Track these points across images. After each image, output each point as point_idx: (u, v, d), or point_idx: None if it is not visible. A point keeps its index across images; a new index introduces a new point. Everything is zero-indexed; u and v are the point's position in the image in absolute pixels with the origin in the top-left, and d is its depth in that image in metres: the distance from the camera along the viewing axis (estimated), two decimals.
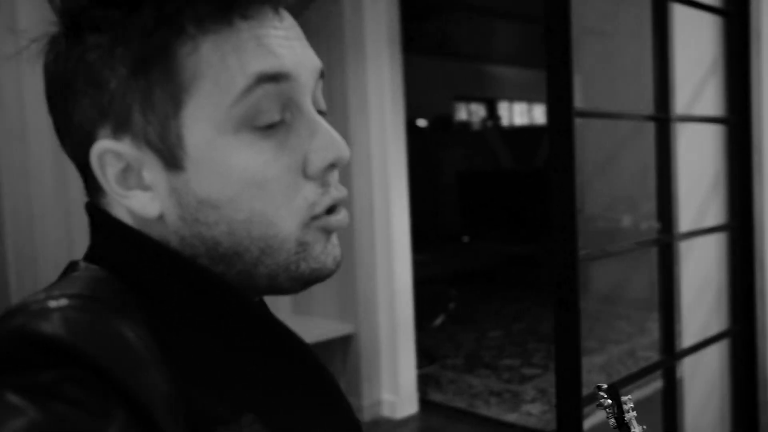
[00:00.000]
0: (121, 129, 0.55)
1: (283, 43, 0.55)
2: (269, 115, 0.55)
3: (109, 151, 0.55)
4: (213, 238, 0.56)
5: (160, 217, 0.56)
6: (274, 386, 0.57)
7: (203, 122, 0.54)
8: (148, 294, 0.55)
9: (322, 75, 0.59)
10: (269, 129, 0.55)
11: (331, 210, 0.58)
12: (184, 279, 0.56)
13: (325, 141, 0.57)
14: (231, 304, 0.57)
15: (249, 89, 0.54)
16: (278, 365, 0.58)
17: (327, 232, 0.59)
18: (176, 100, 0.54)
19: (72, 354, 0.44)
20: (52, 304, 0.48)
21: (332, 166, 0.57)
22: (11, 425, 0.40)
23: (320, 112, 0.60)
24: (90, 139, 0.55)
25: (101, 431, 0.42)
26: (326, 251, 0.59)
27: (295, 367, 0.59)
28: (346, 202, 0.60)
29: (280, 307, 3.54)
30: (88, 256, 0.58)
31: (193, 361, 0.53)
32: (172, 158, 0.55)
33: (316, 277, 0.59)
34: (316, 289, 3.01)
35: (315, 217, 0.57)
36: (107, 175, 0.56)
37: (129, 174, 0.56)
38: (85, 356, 0.45)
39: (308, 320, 3.50)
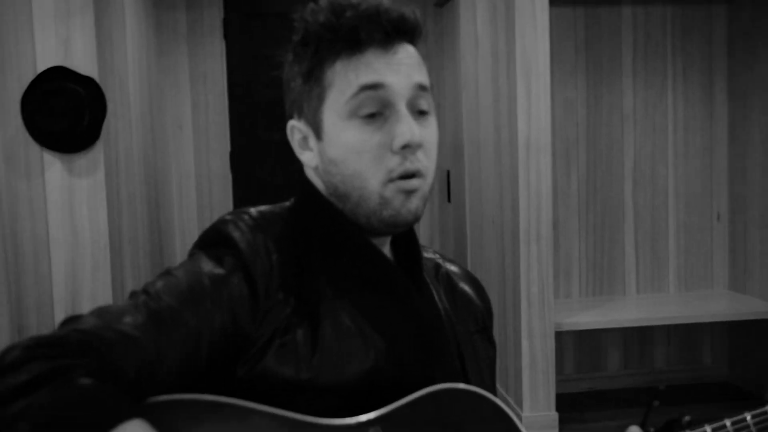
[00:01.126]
0: (299, 114, 0.93)
1: (384, 66, 0.87)
2: (367, 109, 0.87)
3: (294, 126, 0.94)
4: (334, 184, 0.91)
5: (316, 167, 0.92)
6: (360, 281, 0.91)
7: (332, 111, 0.88)
8: (297, 213, 0.94)
9: (421, 87, 0.90)
10: (369, 118, 0.87)
11: (406, 176, 0.86)
12: (315, 206, 0.93)
13: (403, 129, 0.86)
14: (337, 223, 0.91)
15: (356, 94, 0.87)
16: (362, 267, 0.91)
17: (404, 192, 0.87)
18: (321, 97, 0.89)
19: (231, 243, 0.86)
20: (230, 217, 0.89)
21: (407, 146, 0.85)
22: (199, 266, 0.85)
23: (420, 112, 0.89)
24: (288, 119, 0.94)
25: (225, 275, 0.84)
26: (405, 206, 0.88)
27: (373, 270, 0.92)
28: (425, 181, 0.89)
29: None
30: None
31: (313, 256, 0.90)
32: (318, 132, 0.91)
33: (395, 222, 0.89)
34: None
35: (392, 180, 0.87)
36: (294, 141, 0.94)
37: (304, 141, 0.93)
38: (237, 246, 0.86)
39: None
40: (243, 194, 4.57)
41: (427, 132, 0.91)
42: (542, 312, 3.20)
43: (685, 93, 3.85)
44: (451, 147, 4.57)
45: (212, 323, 0.82)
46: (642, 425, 0.92)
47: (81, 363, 0.72)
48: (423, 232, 4.83)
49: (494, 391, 1.10)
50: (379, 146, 0.86)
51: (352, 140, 0.87)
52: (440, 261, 1.12)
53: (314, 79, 0.89)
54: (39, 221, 2.89)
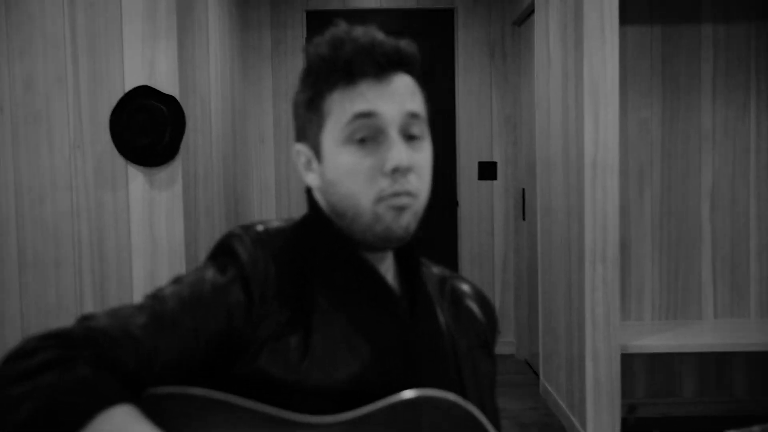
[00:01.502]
0: (304, 138, 1.00)
1: (376, 95, 0.94)
2: (360, 134, 0.94)
3: (299, 150, 1.01)
4: (332, 202, 0.98)
5: (318, 188, 1.00)
6: (352, 294, 0.98)
7: (329, 137, 0.96)
8: (301, 229, 1.02)
9: (412, 115, 0.96)
10: (362, 142, 0.94)
11: (397, 195, 0.93)
12: (317, 222, 1.01)
13: (393, 154, 0.93)
14: (333, 239, 0.99)
15: (350, 121, 0.94)
16: (353, 280, 0.98)
17: (394, 208, 0.94)
18: (320, 124, 0.97)
19: (235, 255, 0.95)
20: (238, 231, 0.98)
21: (396, 170, 0.92)
22: (204, 275, 0.95)
23: (411, 137, 0.96)
24: (296, 142, 1.02)
25: (226, 284, 0.93)
26: (396, 221, 0.94)
27: (364, 284, 0.99)
28: (416, 200, 0.96)
29: None
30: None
31: (310, 269, 0.97)
32: (318, 156, 0.98)
33: (387, 237, 0.95)
34: None
35: (382, 198, 0.93)
36: (300, 163, 1.02)
37: (308, 163, 1.00)
38: (239, 258, 0.95)
39: None
40: None
41: (419, 156, 0.97)
42: (607, 334, 3.15)
43: None
44: (525, 165, 4.56)
45: (209, 325, 0.90)
46: None
47: (83, 354, 0.82)
48: (497, 250, 4.84)
49: (494, 405, 1.14)
50: (371, 169, 0.94)
51: (346, 163, 0.95)
52: (448, 277, 1.17)
53: (315, 107, 0.97)
54: (122, 230, 3.10)
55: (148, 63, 3.07)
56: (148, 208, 3.10)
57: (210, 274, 0.95)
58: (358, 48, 0.94)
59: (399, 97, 0.95)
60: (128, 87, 3.06)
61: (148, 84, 3.06)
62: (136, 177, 3.10)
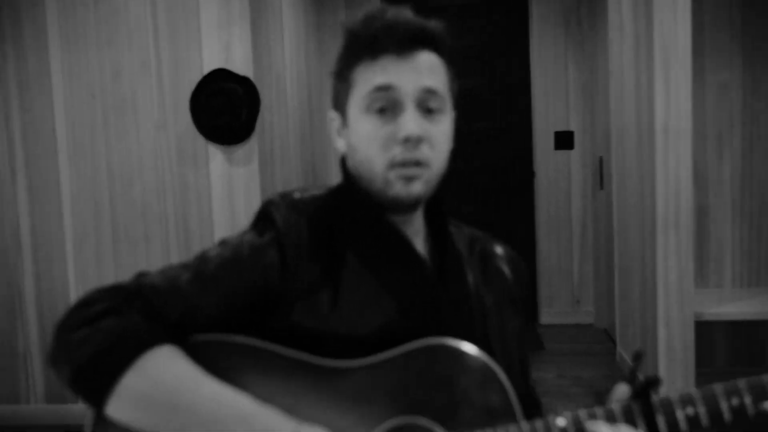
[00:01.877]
0: (337, 106, 1.10)
1: (396, 70, 1.02)
2: (378, 105, 1.02)
3: (332, 117, 1.11)
4: (354, 166, 1.07)
5: (346, 152, 1.09)
6: (378, 252, 1.07)
7: (354, 105, 1.05)
8: (334, 194, 1.11)
9: (429, 91, 1.03)
10: (381, 112, 1.02)
11: (406, 164, 1.01)
12: (347, 188, 1.10)
13: (406, 125, 1.00)
14: (361, 202, 1.08)
15: (370, 92, 1.02)
16: (379, 240, 1.07)
17: (404, 178, 1.02)
18: (347, 93, 1.06)
19: (271, 221, 1.05)
20: (276, 199, 1.08)
21: (408, 139, 1.00)
22: (244, 238, 1.06)
23: (429, 110, 1.03)
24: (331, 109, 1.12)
25: (263, 246, 1.03)
26: (405, 189, 1.02)
27: (389, 243, 1.07)
28: (428, 169, 1.03)
29: None
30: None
31: (341, 231, 1.06)
32: (345, 122, 1.07)
33: (396, 203, 1.04)
34: None
35: (393, 165, 1.02)
36: (332, 128, 1.12)
37: (339, 129, 1.10)
38: (275, 223, 1.05)
39: None
40: None
41: (435, 128, 1.04)
42: (680, 301, 3.12)
43: None
44: (602, 134, 4.50)
45: (246, 283, 1.01)
46: (630, 382, 0.99)
47: (134, 304, 0.95)
48: (575, 220, 4.81)
49: (522, 357, 1.21)
50: (385, 136, 1.02)
51: (365, 130, 1.03)
52: (479, 238, 1.24)
53: (343, 77, 1.07)
54: (204, 205, 3.30)
55: (224, 47, 3.24)
56: (228, 184, 3.28)
57: (249, 237, 1.06)
58: (384, 25, 1.02)
59: (418, 72, 1.02)
60: (206, 71, 3.24)
61: (225, 67, 3.23)
62: (215, 155, 3.28)
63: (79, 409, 3.44)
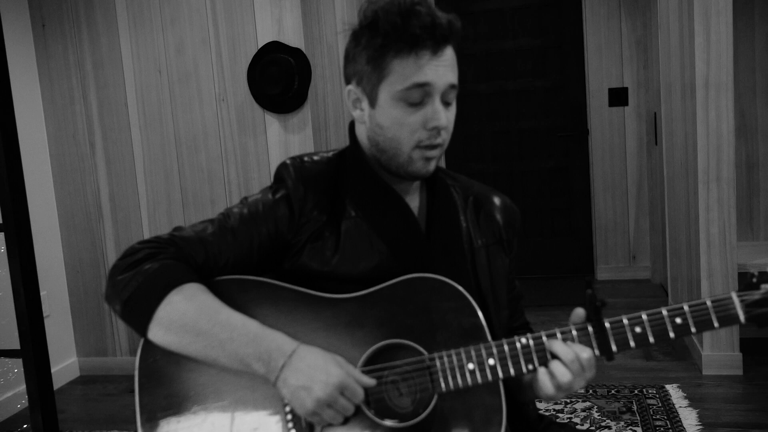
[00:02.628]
0: (357, 82, 1.24)
1: (432, 68, 1.17)
2: (414, 99, 1.18)
3: (351, 90, 1.26)
4: (377, 140, 1.24)
5: (362, 123, 1.26)
6: (374, 206, 1.26)
7: (387, 92, 1.19)
8: (341, 156, 1.30)
9: (452, 86, 1.20)
10: (413, 105, 1.19)
11: (430, 147, 1.20)
12: (354, 152, 1.30)
13: (438, 116, 1.19)
14: (363, 165, 1.28)
15: (408, 88, 1.17)
16: (376, 196, 1.27)
17: (425, 158, 1.22)
18: (379, 78, 1.20)
19: (282, 181, 1.26)
20: (289, 162, 1.28)
21: (436, 128, 1.19)
22: (260, 196, 1.28)
23: (447, 103, 1.21)
24: (347, 82, 1.27)
25: (275, 202, 1.25)
26: (424, 167, 1.22)
27: (384, 198, 1.27)
28: (442, 148, 1.23)
29: None
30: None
31: (344, 187, 1.26)
32: (373, 101, 1.22)
33: (414, 176, 1.24)
34: None
35: (419, 146, 1.20)
36: (349, 100, 1.27)
37: (357, 102, 1.26)
38: (286, 183, 1.26)
39: None
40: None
41: (451, 115, 1.24)
42: (723, 253, 3.17)
43: None
44: (656, 89, 4.50)
45: (260, 233, 1.22)
46: (585, 306, 1.15)
47: (168, 251, 1.17)
48: (631, 177, 4.84)
49: (512, 290, 1.37)
50: (415, 123, 1.20)
51: (398, 116, 1.20)
52: (474, 188, 1.40)
53: (376, 63, 1.19)
54: (263, 171, 3.54)
55: (276, 21, 3.44)
56: (284, 150, 3.50)
57: (264, 196, 1.26)
58: (424, 24, 1.16)
59: (446, 70, 1.19)
60: (261, 44, 3.45)
61: (277, 39, 3.43)
62: (272, 123, 3.51)
63: None
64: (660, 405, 2.97)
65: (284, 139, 3.50)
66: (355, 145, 1.31)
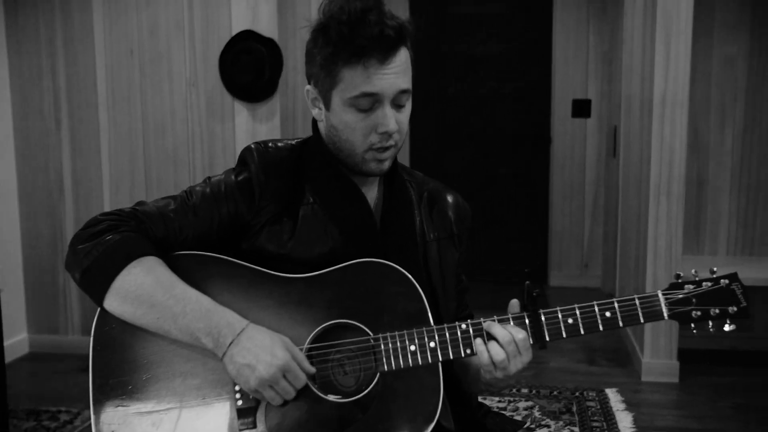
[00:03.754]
0: (315, 83, 1.29)
1: (380, 77, 1.22)
2: (364, 106, 1.24)
3: (310, 90, 1.32)
4: (333, 140, 1.31)
5: (321, 121, 1.33)
6: (331, 194, 1.32)
7: (338, 97, 1.25)
8: (303, 146, 1.37)
9: (402, 92, 1.25)
10: (363, 111, 1.24)
11: (382, 150, 1.26)
12: (314, 143, 1.36)
13: (387, 122, 1.24)
14: (322, 156, 1.34)
15: (357, 96, 1.23)
16: (332, 185, 1.33)
17: (377, 159, 1.27)
18: (331, 84, 1.25)
19: (246, 164, 1.33)
20: (253, 146, 1.35)
21: (386, 133, 1.25)
22: (223, 178, 1.34)
23: (399, 106, 1.26)
24: (308, 81, 1.32)
25: (236, 184, 1.30)
26: (377, 167, 1.28)
27: (340, 187, 1.33)
28: (396, 148, 1.29)
29: None
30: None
31: (303, 175, 1.33)
32: (327, 104, 1.29)
33: (369, 174, 1.30)
34: None
35: (371, 149, 1.26)
36: (309, 99, 1.33)
37: (314, 101, 1.32)
38: (249, 167, 1.32)
39: None
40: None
41: (403, 116, 1.29)
42: (668, 265, 3.30)
43: None
44: (617, 103, 4.64)
45: (221, 212, 1.28)
46: (522, 298, 1.24)
47: (129, 224, 1.22)
48: (589, 187, 4.98)
49: (458, 282, 1.45)
50: (366, 127, 1.25)
51: (350, 121, 1.26)
52: (429, 185, 1.47)
53: (328, 69, 1.24)
54: (230, 158, 3.57)
55: (251, 10, 3.47)
56: (251, 138, 3.54)
57: (227, 177, 1.32)
58: (371, 35, 1.19)
59: (395, 78, 1.23)
60: (234, 32, 3.48)
61: (251, 28, 3.47)
62: (241, 111, 3.54)
63: None
64: (598, 407, 3.08)
65: (252, 128, 3.54)
66: (317, 136, 1.36)
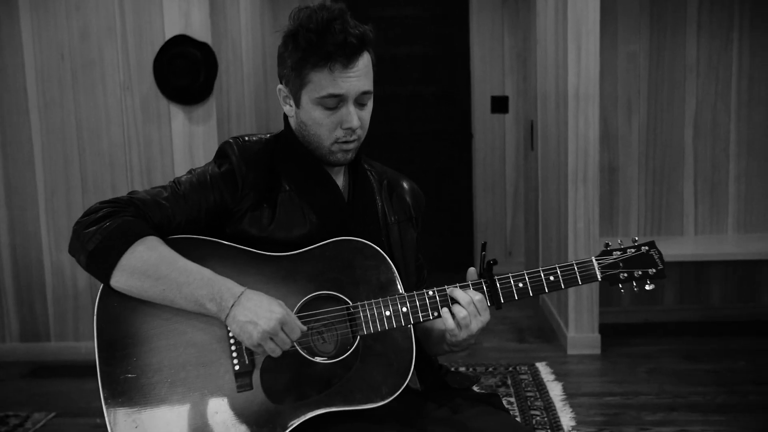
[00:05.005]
0: (286, 83, 1.46)
1: (344, 80, 1.38)
2: (329, 105, 1.40)
3: (281, 89, 1.48)
4: (302, 133, 1.47)
5: (292, 117, 1.49)
6: (305, 181, 1.48)
7: (307, 97, 1.41)
8: (277, 139, 1.52)
9: (365, 93, 1.42)
10: (329, 109, 1.41)
11: (346, 143, 1.43)
12: (288, 137, 1.51)
13: (351, 119, 1.41)
14: (296, 148, 1.49)
15: (324, 97, 1.39)
16: (307, 173, 1.49)
17: (343, 150, 1.44)
18: (301, 85, 1.41)
19: (227, 157, 1.46)
20: (231, 140, 1.48)
21: (350, 129, 1.41)
22: (207, 169, 1.48)
23: (362, 104, 1.43)
24: (280, 81, 1.47)
25: (220, 175, 1.44)
26: (343, 157, 1.45)
27: (314, 175, 1.48)
28: (359, 141, 1.46)
29: None
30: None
31: (279, 165, 1.47)
32: (297, 102, 1.45)
33: (336, 164, 1.47)
34: None
35: (336, 142, 1.43)
36: (280, 97, 1.49)
37: (285, 99, 1.48)
38: (230, 159, 1.45)
39: None
40: None
41: (365, 113, 1.46)
42: (588, 245, 3.59)
43: (751, 44, 4.01)
44: (533, 99, 4.94)
45: (208, 200, 1.41)
46: (479, 265, 1.42)
47: (128, 210, 1.34)
48: (509, 179, 5.26)
49: (416, 260, 1.62)
50: (332, 123, 1.42)
51: (317, 117, 1.43)
52: (388, 173, 1.64)
53: (297, 71, 1.41)
54: (167, 160, 3.64)
55: (183, 15, 3.55)
56: (188, 140, 3.62)
57: (211, 168, 1.45)
58: (336, 42, 1.36)
59: (358, 80, 1.40)
60: (168, 36, 3.55)
61: (185, 33, 3.55)
62: (177, 114, 3.62)
63: (51, 347, 3.79)
64: (531, 380, 3.33)
65: (189, 130, 3.62)
66: (289, 131, 1.51)
